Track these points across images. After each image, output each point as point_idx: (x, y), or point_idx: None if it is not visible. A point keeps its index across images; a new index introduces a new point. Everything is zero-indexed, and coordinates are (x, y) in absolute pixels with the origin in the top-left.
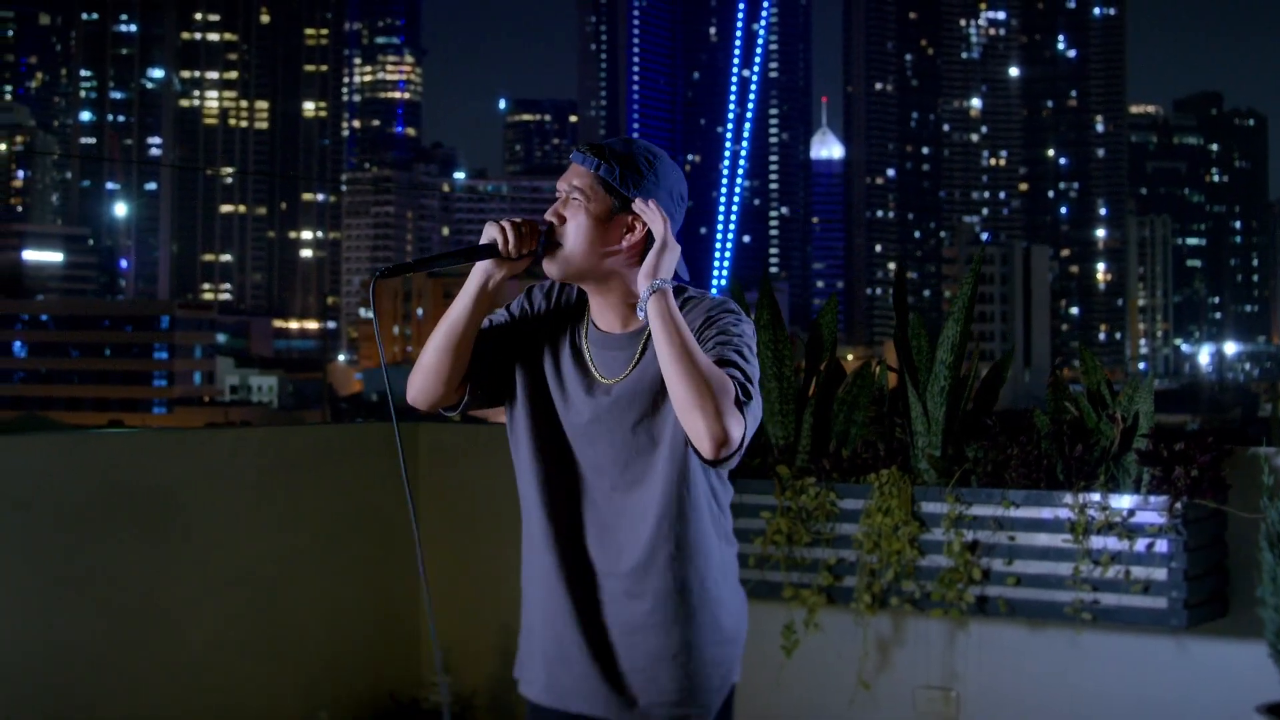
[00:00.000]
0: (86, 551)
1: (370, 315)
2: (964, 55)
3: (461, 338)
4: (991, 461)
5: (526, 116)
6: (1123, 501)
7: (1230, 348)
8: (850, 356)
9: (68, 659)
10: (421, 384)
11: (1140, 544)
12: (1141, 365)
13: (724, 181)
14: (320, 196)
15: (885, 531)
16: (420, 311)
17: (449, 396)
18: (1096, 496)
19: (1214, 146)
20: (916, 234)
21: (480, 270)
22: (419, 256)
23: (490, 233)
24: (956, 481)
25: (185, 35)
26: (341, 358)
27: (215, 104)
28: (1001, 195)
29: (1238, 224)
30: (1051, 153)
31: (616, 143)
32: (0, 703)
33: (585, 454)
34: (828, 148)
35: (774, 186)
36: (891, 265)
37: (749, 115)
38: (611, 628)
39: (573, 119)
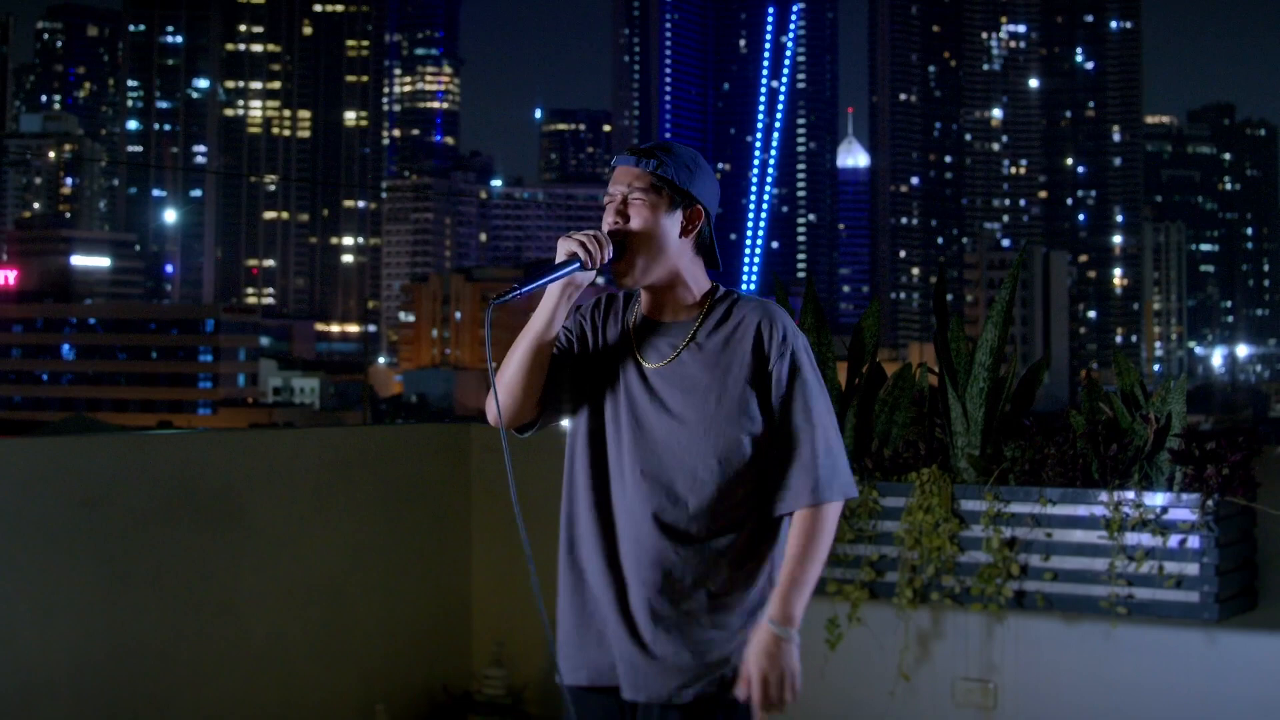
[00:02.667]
0: (152, 549)
1: (409, 319)
2: (985, 67)
3: (543, 349)
4: (1029, 460)
5: (562, 126)
6: (1156, 499)
7: (1242, 350)
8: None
9: (135, 654)
10: (506, 401)
11: (1173, 540)
12: (1156, 367)
13: (753, 189)
14: (361, 203)
15: (926, 528)
16: (459, 315)
17: (528, 412)
18: (1131, 494)
19: (1227, 156)
20: (939, 240)
21: (560, 283)
22: (521, 281)
23: (568, 248)
24: (995, 480)
25: (230, 46)
26: (381, 360)
27: (259, 113)
28: (1022, 203)
29: (1249, 230)
30: (1070, 161)
31: (660, 144)
32: (70, 696)
33: (636, 441)
34: (853, 156)
35: (801, 194)
36: (915, 270)
37: (777, 125)
38: (660, 613)
39: (606, 128)
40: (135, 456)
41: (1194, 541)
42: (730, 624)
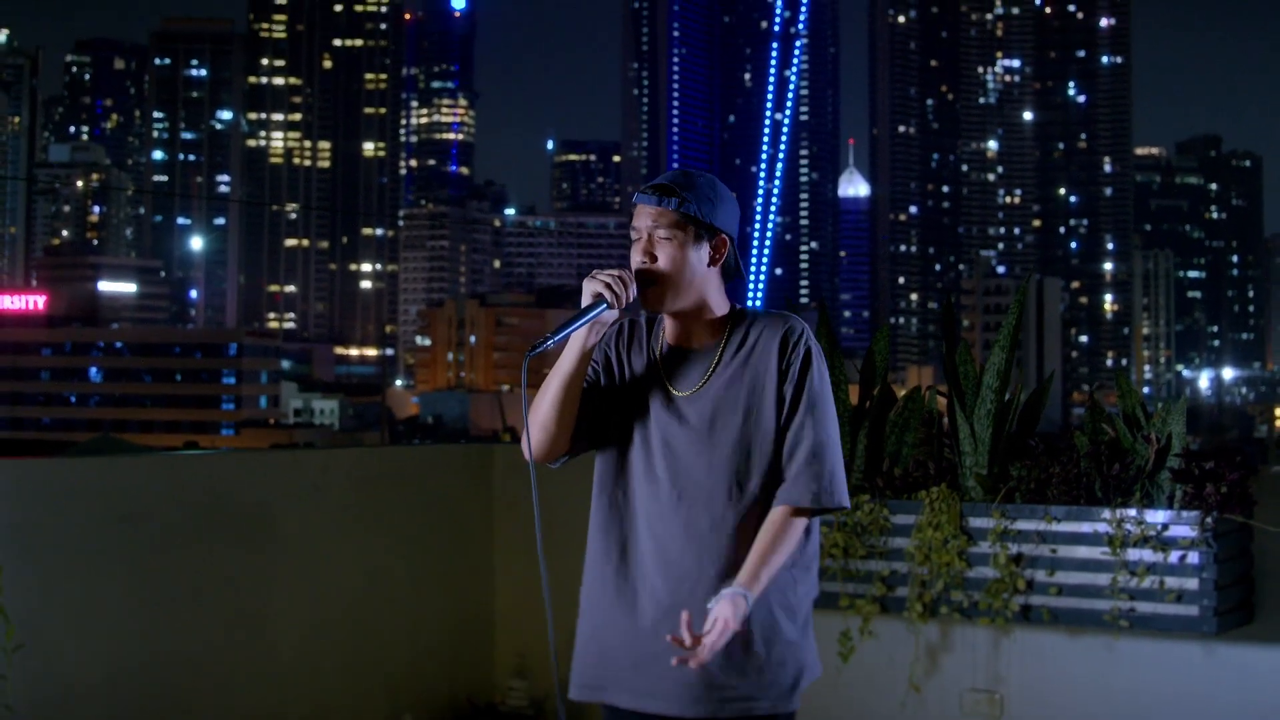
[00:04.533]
0: (185, 564)
1: (426, 343)
2: (981, 100)
3: (572, 386)
4: (1034, 479)
5: (573, 156)
6: (1157, 516)
7: (1228, 373)
8: None
9: (167, 664)
10: (540, 437)
11: (1174, 556)
12: (1146, 389)
13: (757, 218)
14: (379, 231)
15: (935, 545)
16: (473, 339)
17: (561, 446)
18: (1133, 512)
19: (1213, 186)
20: (937, 267)
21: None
22: (554, 331)
23: (593, 289)
24: (1002, 498)
25: (252, 79)
26: (399, 383)
27: (280, 144)
28: (1016, 231)
29: (1235, 258)
30: (1063, 191)
31: (678, 177)
32: (105, 704)
33: (668, 465)
34: (854, 186)
35: (804, 222)
36: (914, 296)
37: (781, 156)
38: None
39: (616, 159)
40: (169, 475)
41: (1193, 557)
42: (781, 635)
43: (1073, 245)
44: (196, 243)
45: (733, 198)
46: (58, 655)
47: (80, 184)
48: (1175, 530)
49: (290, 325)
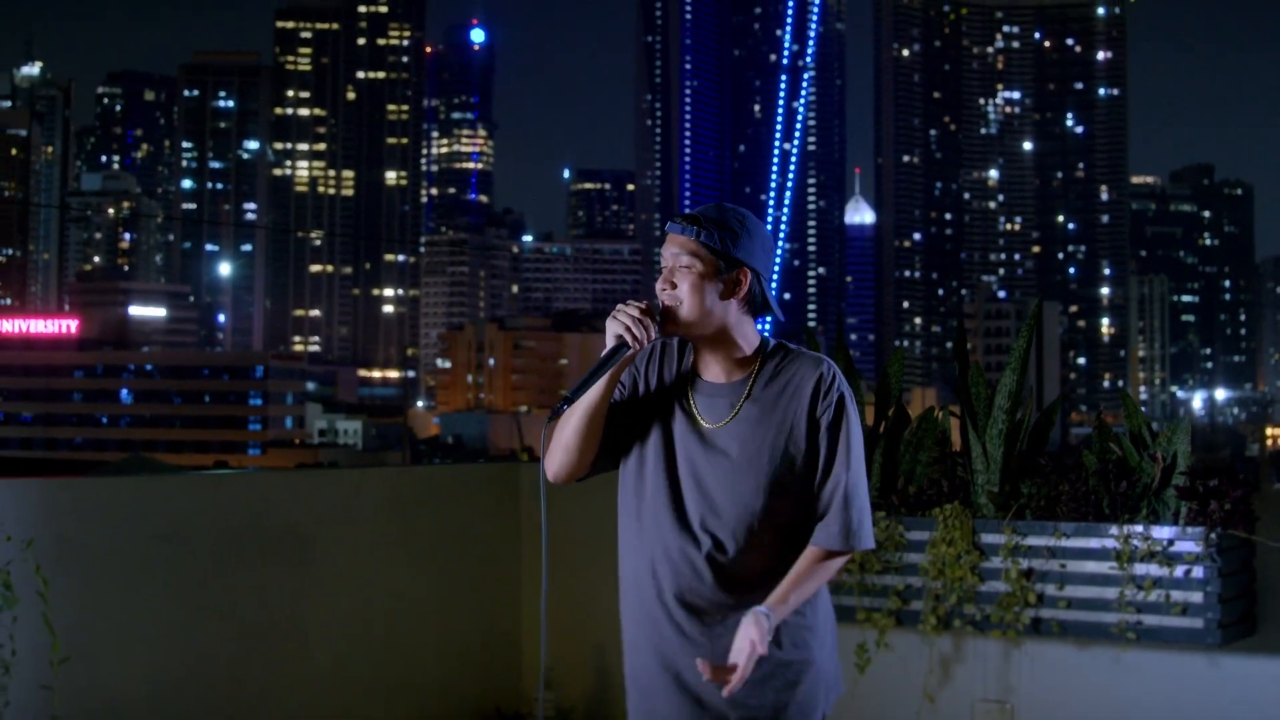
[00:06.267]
0: (224, 581)
1: (446, 365)
2: (983, 131)
3: (597, 414)
4: (1044, 497)
5: (588, 185)
6: (1163, 532)
7: (1220, 394)
8: None
9: (207, 677)
10: (563, 460)
11: (1179, 570)
12: (1142, 410)
13: None
14: (401, 257)
15: (948, 560)
16: (492, 361)
17: (583, 468)
18: (1139, 528)
19: (1206, 213)
20: (940, 292)
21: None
22: (580, 382)
23: (615, 330)
24: (1013, 515)
25: (278, 110)
26: (420, 404)
27: (305, 173)
28: (1016, 257)
29: (1227, 283)
30: (1061, 218)
31: (710, 210)
32: (149, 714)
33: (694, 496)
34: (860, 214)
35: (812, 249)
36: (918, 320)
37: (789, 184)
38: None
39: (630, 187)
40: (209, 495)
41: (1198, 572)
42: (800, 649)
43: (1071, 270)
44: (224, 268)
45: (765, 234)
46: (102, 667)
47: (111, 211)
48: (1180, 545)
49: (315, 348)
